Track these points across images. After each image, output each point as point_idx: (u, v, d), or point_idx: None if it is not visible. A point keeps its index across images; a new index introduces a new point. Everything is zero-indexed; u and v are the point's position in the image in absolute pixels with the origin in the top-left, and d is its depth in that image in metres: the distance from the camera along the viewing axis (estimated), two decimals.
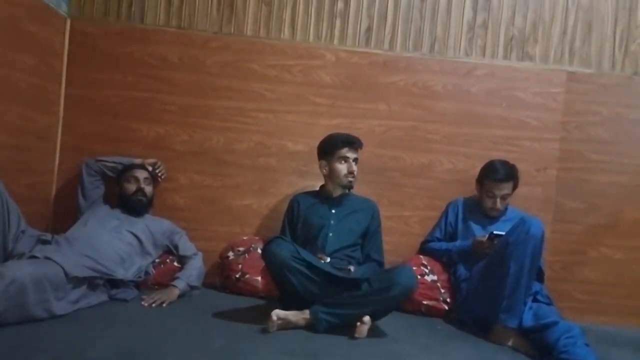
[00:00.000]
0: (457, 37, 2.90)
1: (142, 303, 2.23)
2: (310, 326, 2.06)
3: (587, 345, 1.97)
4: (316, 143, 2.58)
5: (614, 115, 2.86)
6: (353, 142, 2.49)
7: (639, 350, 2.33)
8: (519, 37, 2.90)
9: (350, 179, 2.49)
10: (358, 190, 2.63)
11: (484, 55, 2.89)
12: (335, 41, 2.89)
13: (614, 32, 2.89)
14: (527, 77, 2.87)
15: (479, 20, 2.89)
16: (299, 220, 2.52)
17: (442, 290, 2.56)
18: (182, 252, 2.58)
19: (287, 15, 2.89)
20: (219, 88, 2.85)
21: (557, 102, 2.86)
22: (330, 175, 2.53)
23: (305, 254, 2.18)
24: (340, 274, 2.18)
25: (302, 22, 2.89)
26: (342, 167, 2.48)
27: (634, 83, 2.88)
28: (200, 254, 2.59)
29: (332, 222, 2.49)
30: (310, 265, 2.14)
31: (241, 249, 2.65)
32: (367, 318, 2.05)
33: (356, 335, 2.03)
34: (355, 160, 2.50)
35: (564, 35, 2.90)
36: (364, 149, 2.62)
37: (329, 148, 2.51)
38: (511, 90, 2.86)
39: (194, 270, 2.49)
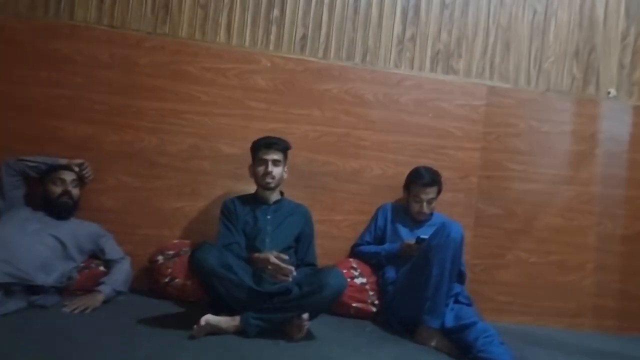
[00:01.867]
0: (388, 49, 3.02)
1: (64, 309, 2.14)
2: (241, 332, 2.05)
3: (502, 343, 2.11)
4: (249, 146, 2.59)
5: (529, 127, 3.08)
6: (272, 144, 2.52)
7: (551, 348, 2.52)
8: (445, 51, 3.06)
9: (267, 180, 2.49)
10: (291, 194, 2.67)
11: (412, 68, 3.03)
12: (271, 47, 2.93)
13: (530, 51, 3.12)
14: (452, 90, 3.03)
15: (408, 34, 3.03)
16: (239, 222, 2.50)
17: (371, 293, 2.64)
18: (108, 256, 2.51)
19: (223, 20, 2.90)
20: (152, 88, 2.80)
21: (478, 114, 3.04)
22: (254, 177, 2.55)
23: (233, 261, 2.18)
24: (266, 289, 2.17)
25: (238, 26, 2.91)
26: (260, 169, 2.50)
27: (546, 98, 3.11)
28: (128, 257, 2.53)
29: (268, 227, 2.50)
30: (239, 269, 2.15)
31: (171, 252, 2.61)
32: (306, 315, 2.08)
33: (296, 335, 2.06)
34: (276, 161, 2.51)
35: (485, 51, 3.10)
36: (297, 153, 2.66)
37: (253, 151, 2.55)
38: (437, 102, 3.01)
39: (121, 274, 2.42)
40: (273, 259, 2.19)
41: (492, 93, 3.06)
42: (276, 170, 2.51)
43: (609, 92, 3.15)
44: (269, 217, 2.53)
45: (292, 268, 2.21)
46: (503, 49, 3.11)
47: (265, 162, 2.49)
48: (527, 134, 3.07)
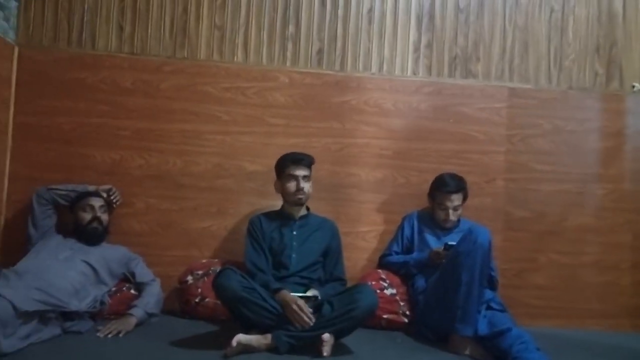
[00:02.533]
0: (405, 57, 3.01)
1: (98, 334, 2.17)
2: (273, 349, 2.05)
3: (538, 349, 2.06)
4: (273, 163, 2.61)
5: (553, 127, 3.02)
6: (300, 160, 2.53)
7: (586, 351, 2.45)
8: (462, 56, 3.04)
9: (299, 196, 2.51)
10: (315, 208, 2.67)
11: (430, 74, 3.02)
12: (288, 63, 2.96)
13: (549, 50, 3.07)
14: (472, 94, 3.00)
15: (424, 40, 3.02)
16: (265, 240, 2.51)
17: (402, 303, 2.62)
18: (139, 279, 2.54)
19: (240, 39, 2.94)
20: (174, 111, 2.86)
21: (500, 117, 3.00)
22: (283, 194, 2.56)
23: (257, 285, 2.19)
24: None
25: (254, 45, 2.95)
26: (290, 185, 2.51)
27: (569, 97, 3.06)
28: (158, 280, 2.56)
29: (294, 243, 2.51)
30: (262, 292, 2.16)
31: (200, 272, 2.64)
32: (326, 335, 2.07)
33: (324, 354, 2.04)
34: (305, 177, 2.53)
35: (503, 53, 3.06)
36: (320, 167, 2.67)
37: (279, 168, 2.56)
38: (457, 107, 2.99)
39: (152, 297, 2.45)
40: (294, 306, 2.12)
41: (513, 95, 3.02)
42: (306, 186, 2.52)
43: (633, 86, 3.08)
44: (295, 232, 2.53)
45: (312, 319, 2.11)
46: (521, 49, 3.07)
47: (296, 178, 2.50)
48: (552, 133, 3.02)
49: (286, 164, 2.53)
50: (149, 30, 2.89)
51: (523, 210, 2.99)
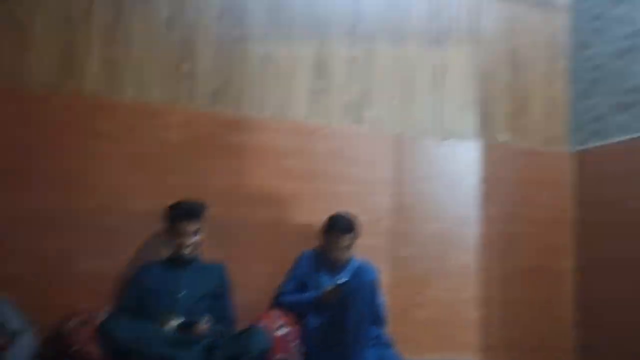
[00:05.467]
0: (300, 100, 3.13)
1: None
2: None
3: None
4: (164, 203, 2.54)
5: (434, 172, 3.29)
6: (190, 214, 2.48)
7: None
8: (354, 102, 3.22)
9: (186, 251, 2.48)
10: (208, 251, 2.63)
11: (324, 118, 3.16)
12: (184, 101, 2.94)
13: (431, 101, 3.37)
14: (363, 138, 3.18)
15: (319, 86, 3.17)
16: (147, 288, 2.43)
17: (295, 343, 2.62)
18: (9, 326, 2.30)
19: (133, 75, 2.87)
20: (61, 146, 2.69)
21: (388, 161, 3.20)
22: (169, 243, 2.52)
23: (143, 329, 2.11)
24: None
25: (148, 81, 2.89)
26: (179, 240, 2.48)
27: (447, 144, 3.35)
28: (30, 329, 2.34)
29: (182, 288, 2.45)
30: (151, 340, 2.07)
31: (79, 319, 2.45)
32: None
33: None
34: (196, 231, 2.50)
35: (391, 102, 3.29)
36: (213, 208, 2.64)
37: (169, 218, 2.50)
38: (349, 150, 3.14)
39: (22, 348, 2.23)
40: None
41: (399, 141, 3.25)
42: (195, 239, 2.49)
43: (499, 137, 3.47)
44: (183, 277, 2.48)
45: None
46: (407, 99, 3.32)
47: (184, 233, 2.46)
48: (435, 177, 3.28)
49: (176, 217, 2.47)
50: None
51: (409, 248, 3.17)
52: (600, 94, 3.44)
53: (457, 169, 3.33)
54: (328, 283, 2.71)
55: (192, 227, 2.47)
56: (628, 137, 3.20)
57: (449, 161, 3.33)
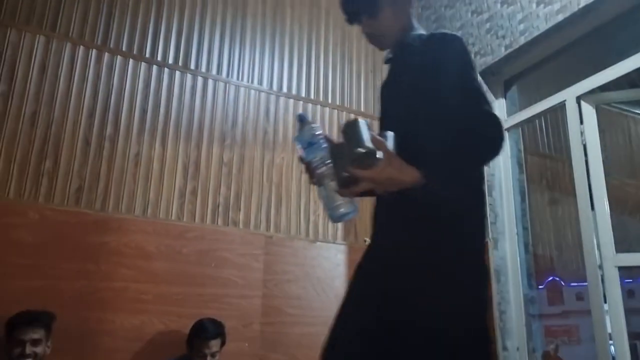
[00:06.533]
0: (170, 201, 3.10)
1: None
2: None
3: None
4: (13, 310, 2.31)
5: (303, 274, 3.36)
6: (31, 322, 2.28)
7: None
8: (225, 204, 3.27)
9: None
10: None
11: (194, 219, 3.14)
12: (41, 199, 2.75)
13: (299, 205, 3.53)
14: (233, 240, 3.19)
15: (190, 187, 3.18)
16: None
17: None
18: None
19: None
20: None
21: (258, 262, 3.22)
22: (9, 355, 2.24)
23: None
24: None
25: (1, 178, 2.69)
26: (16, 351, 2.24)
27: (315, 247, 3.49)
28: None
29: None
30: None
31: None
32: None
33: None
34: (35, 341, 2.27)
35: (261, 205, 3.40)
36: (68, 313, 2.43)
37: (6, 329, 2.27)
38: (219, 252, 3.12)
39: None
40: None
41: (269, 243, 3.31)
42: (36, 350, 2.26)
43: (365, 240, 3.69)
44: None
45: None
46: (277, 202, 3.45)
47: (23, 343, 2.23)
48: (302, 279, 3.35)
49: (15, 327, 2.25)
50: None
51: (277, 353, 3.12)
52: None
53: (324, 270, 3.44)
54: None
55: (32, 335, 2.25)
56: None
57: (317, 263, 3.44)
